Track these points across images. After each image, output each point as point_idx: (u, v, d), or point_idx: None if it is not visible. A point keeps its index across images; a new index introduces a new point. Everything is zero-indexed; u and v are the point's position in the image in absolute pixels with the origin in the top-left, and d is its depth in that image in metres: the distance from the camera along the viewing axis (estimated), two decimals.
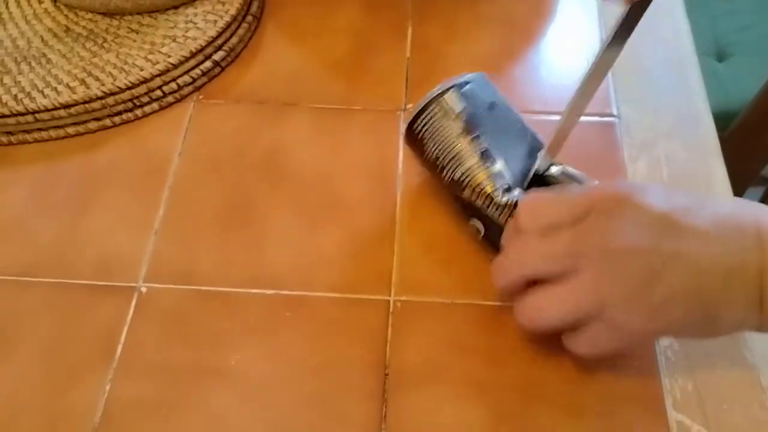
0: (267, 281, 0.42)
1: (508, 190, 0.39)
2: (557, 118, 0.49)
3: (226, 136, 0.49)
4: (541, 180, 0.41)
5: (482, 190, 0.39)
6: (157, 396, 0.38)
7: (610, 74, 0.52)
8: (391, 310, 0.41)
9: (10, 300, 0.42)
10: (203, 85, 0.51)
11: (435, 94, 0.41)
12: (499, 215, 0.39)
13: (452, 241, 0.43)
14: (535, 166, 0.41)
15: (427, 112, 0.41)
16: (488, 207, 0.39)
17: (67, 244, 0.44)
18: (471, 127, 0.40)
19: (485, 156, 0.40)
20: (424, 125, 0.42)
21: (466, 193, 0.40)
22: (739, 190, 0.45)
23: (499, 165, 0.40)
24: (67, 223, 0.45)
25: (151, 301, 0.41)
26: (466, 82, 0.42)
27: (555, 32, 0.55)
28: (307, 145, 0.48)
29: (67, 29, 0.52)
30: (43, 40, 0.52)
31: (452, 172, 0.41)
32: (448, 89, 0.41)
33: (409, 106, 0.50)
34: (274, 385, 0.38)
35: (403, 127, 0.49)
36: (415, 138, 0.43)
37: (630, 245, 0.33)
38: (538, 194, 0.37)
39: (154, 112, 0.50)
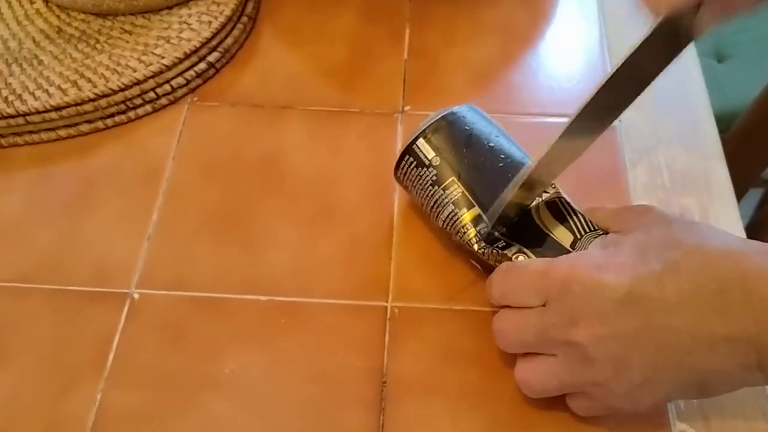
0: (262, 287, 0.41)
1: (487, 234, 0.38)
2: (553, 120, 0.49)
3: (221, 139, 0.48)
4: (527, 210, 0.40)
5: (461, 239, 0.39)
6: (149, 405, 0.37)
7: None
8: (388, 316, 0.40)
9: (3, 307, 0.41)
10: (198, 87, 0.51)
11: (408, 142, 0.41)
12: (486, 258, 0.39)
13: (450, 247, 0.42)
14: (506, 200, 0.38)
15: (404, 162, 0.41)
16: (473, 251, 0.39)
17: (61, 251, 0.43)
18: (444, 173, 0.40)
19: (460, 203, 0.39)
20: (405, 174, 0.41)
21: (454, 238, 0.40)
22: (739, 192, 0.45)
23: (474, 210, 0.39)
24: (60, 229, 0.44)
25: (144, 307, 0.41)
26: (437, 124, 0.40)
27: (553, 37, 0.54)
28: (304, 148, 0.48)
29: (59, 30, 0.52)
30: (34, 41, 0.51)
31: (436, 220, 0.41)
32: (418, 136, 0.40)
33: (407, 108, 0.50)
34: (270, 394, 0.38)
35: (400, 130, 0.48)
36: (401, 184, 0.43)
37: (595, 336, 0.32)
38: (506, 272, 0.36)
39: (147, 114, 0.49)
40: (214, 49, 0.51)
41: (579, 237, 0.38)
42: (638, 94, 0.36)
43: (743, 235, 0.43)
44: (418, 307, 0.40)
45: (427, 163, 0.40)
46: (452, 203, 0.39)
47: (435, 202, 0.40)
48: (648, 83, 0.36)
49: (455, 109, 0.41)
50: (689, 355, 0.31)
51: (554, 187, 0.39)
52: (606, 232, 0.37)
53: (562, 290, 0.33)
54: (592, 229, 0.38)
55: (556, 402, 0.37)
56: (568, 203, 0.39)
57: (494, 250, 0.38)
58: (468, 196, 0.39)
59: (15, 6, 0.54)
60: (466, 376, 0.38)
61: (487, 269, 0.39)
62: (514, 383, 0.37)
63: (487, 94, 0.51)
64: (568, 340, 0.33)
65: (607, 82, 0.34)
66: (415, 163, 0.40)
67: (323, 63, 0.52)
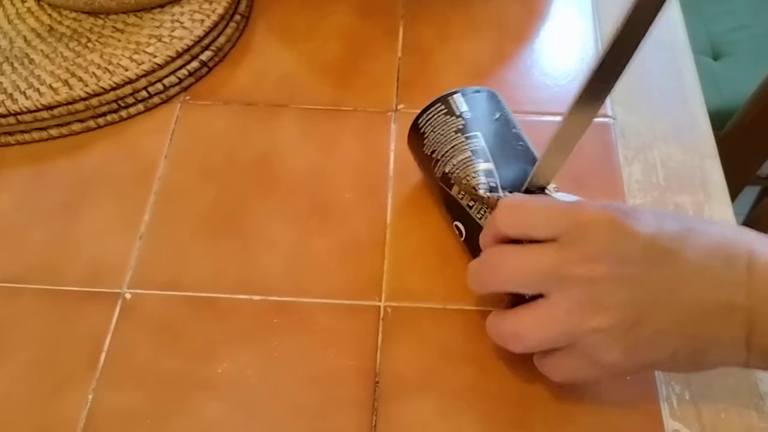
0: (255, 287, 0.41)
1: (494, 189, 0.38)
2: (549, 119, 0.49)
3: (214, 138, 0.48)
4: None
5: (468, 182, 0.38)
6: (141, 406, 0.37)
7: None
8: (381, 316, 0.40)
9: None
10: (190, 85, 0.50)
11: (444, 94, 0.42)
12: (481, 214, 0.38)
13: (443, 246, 0.42)
14: (525, 184, 0.38)
15: (433, 108, 0.42)
16: (471, 203, 0.38)
17: (53, 250, 0.43)
18: (471, 126, 0.40)
19: (478, 153, 0.39)
20: (428, 120, 0.42)
21: (454, 189, 0.40)
22: (735, 190, 0.45)
23: (489, 164, 0.39)
24: (52, 229, 0.44)
25: (136, 307, 0.40)
26: (477, 91, 0.42)
27: (548, 34, 0.54)
28: (297, 147, 0.47)
29: (51, 29, 0.51)
30: (26, 40, 0.51)
31: (443, 165, 0.40)
32: (456, 92, 0.42)
33: (401, 106, 0.49)
34: (264, 394, 0.37)
35: (394, 129, 0.48)
36: (417, 132, 0.43)
37: (614, 276, 0.31)
38: (521, 197, 0.35)
39: (139, 113, 0.49)
40: (206, 47, 0.50)
41: None
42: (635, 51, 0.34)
43: None
44: (412, 306, 0.40)
45: (458, 113, 0.41)
46: (471, 150, 0.39)
47: (453, 147, 0.40)
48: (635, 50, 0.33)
49: (489, 90, 0.43)
50: (692, 318, 0.31)
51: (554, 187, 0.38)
52: None
53: (586, 226, 0.32)
54: None
55: (550, 400, 0.36)
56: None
57: (499, 196, 0.37)
58: (488, 152, 0.39)
59: (6, 4, 0.53)
60: (459, 376, 0.38)
61: (474, 251, 0.39)
62: (508, 383, 0.37)
63: None
64: (584, 275, 0.31)
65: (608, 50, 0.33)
66: (445, 110, 0.41)
67: (317, 61, 0.52)
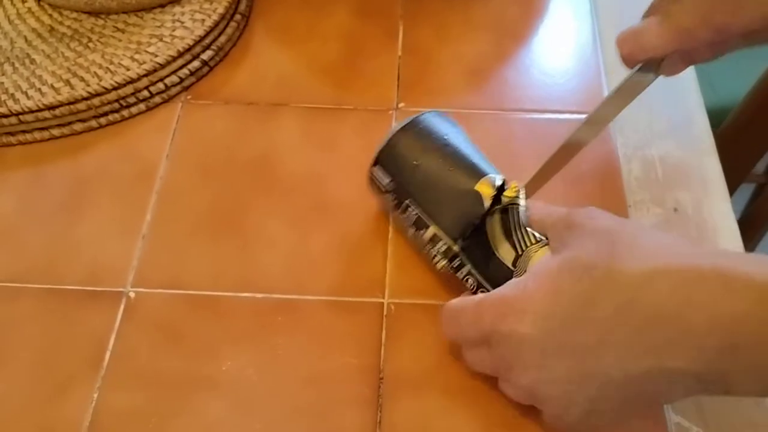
0: (258, 285, 0.41)
1: (447, 251, 0.38)
2: (548, 116, 0.49)
3: (215, 137, 0.48)
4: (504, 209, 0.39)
5: (428, 255, 0.40)
6: (146, 405, 0.37)
7: (603, 73, 0.51)
8: (385, 313, 0.40)
9: None
10: (191, 85, 0.51)
11: (369, 169, 0.41)
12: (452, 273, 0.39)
13: None
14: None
15: (372, 188, 0.42)
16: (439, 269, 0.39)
17: (55, 250, 0.43)
18: (400, 197, 0.40)
19: (418, 224, 0.39)
20: (378, 198, 0.43)
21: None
22: (730, 188, 0.45)
23: (431, 229, 0.39)
24: (54, 229, 0.44)
25: (140, 306, 0.40)
26: (389, 145, 0.40)
27: (546, 34, 0.55)
28: (298, 146, 0.48)
29: (52, 29, 0.51)
30: (26, 40, 0.51)
31: (408, 239, 0.42)
32: (374, 162, 0.41)
33: (401, 105, 0.50)
34: (266, 392, 0.38)
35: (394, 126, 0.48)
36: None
37: (530, 380, 0.33)
38: (445, 318, 0.36)
39: (141, 113, 0.49)
40: (207, 47, 0.51)
41: (520, 253, 0.37)
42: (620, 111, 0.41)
43: (736, 229, 0.43)
44: (415, 303, 0.40)
45: (383, 189, 0.40)
46: (412, 225, 0.39)
47: (401, 224, 0.41)
48: (629, 102, 0.41)
49: (405, 124, 0.40)
50: (627, 386, 0.31)
51: (516, 190, 0.38)
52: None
53: (493, 339, 0.34)
54: (535, 241, 0.37)
55: None
56: (518, 214, 0.37)
57: (450, 270, 0.39)
58: (422, 217, 0.39)
59: (7, 5, 0.53)
60: (463, 373, 0.38)
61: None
62: None
63: (480, 91, 0.51)
64: (514, 383, 0.34)
65: (596, 110, 0.40)
66: (377, 189, 0.41)
67: (317, 60, 0.52)
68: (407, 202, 0.39)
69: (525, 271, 0.36)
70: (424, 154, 0.39)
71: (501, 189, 0.38)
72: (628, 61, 0.39)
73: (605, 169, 0.46)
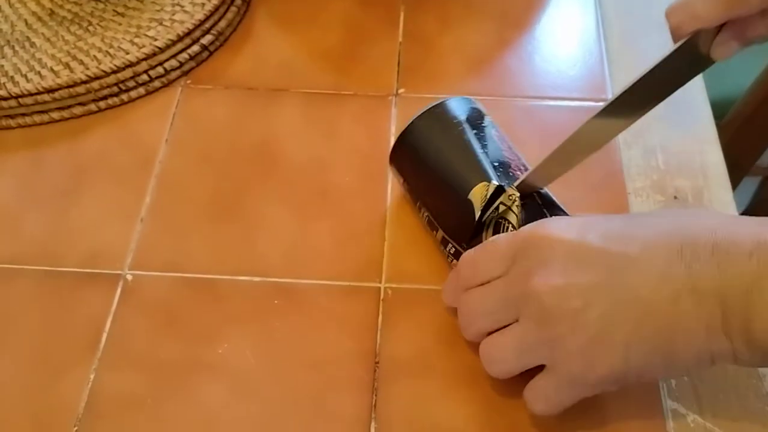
0: (255, 269, 0.41)
1: (456, 253, 0.38)
2: (550, 103, 0.49)
3: (215, 122, 0.48)
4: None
5: (444, 254, 0.40)
6: (142, 387, 0.37)
7: (605, 60, 0.51)
8: (381, 297, 0.40)
9: None
10: (191, 69, 0.50)
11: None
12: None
13: None
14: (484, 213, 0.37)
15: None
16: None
17: (53, 232, 0.43)
18: (413, 197, 0.42)
19: (430, 226, 0.40)
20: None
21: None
22: (734, 180, 0.45)
23: (440, 232, 0.39)
24: (52, 211, 0.44)
25: (137, 289, 0.40)
26: (397, 146, 0.41)
27: (549, 21, 0.54)
28: (298, 131, 0.47)
29: (52, 12, 0.51)
30: (27, 23, 0.51)
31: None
32: (390, 161, 0.42)
33: (402, 91, 0.49)
34: (263, 375, 0.37)
35: (395, 113, 0.48)
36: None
37: (548, 284, 0.31)
38: (474, 250, 0.36)
39: (140, 97, 0.49)
40: (207, 31, 0.50)
41: None
42: (658, 103, 0.38)
43: None
44: (412, 288, 0.40)
45: (403, 188, 0.42)
46: (427, 225, 0.41)
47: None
48: (667, 95, 0.37)
49: (410, 125, 0.40)
50: (649, 308, 0.30)
51: (510, 197, 0.37)
52: None
53: (524, 247, 0.33)
54: None
55: None
56: (506, 227, 0.37)
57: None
58: (432, 220, 0.40)
59: None
60: (459, 357, 0.38)
61: None
62: None
63: (482, 78, 0.51)
64: (525, 291, 0.32)
65: (625, 91, 0.36)
66: (399, 183, 0.42)
67: (317, 46, 0.52)
68: (419, 203, 0.41)
69: None
70: (426, 157, 0.40)
71: (497, 194, 0.37)
72: (677, 32, 0.35)
73: (605, 156, 0.45)
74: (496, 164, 0.38)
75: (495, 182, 0.37)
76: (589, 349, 0.31)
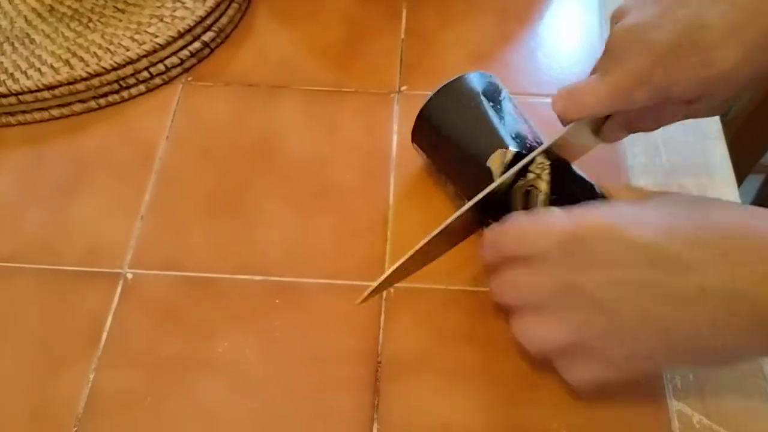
0: (256, 268, 0.41)
1: (482, 224, 0.38)
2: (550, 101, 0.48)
3: (216, 119, 0.48)
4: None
5: None
6: (142, 385, 0.37)
7: None
8: (384, 296, 0.40)
9: None
10: (192, 66, 0.50)
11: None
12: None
13: None
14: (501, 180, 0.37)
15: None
16: None
17: (53, 230, 0.43)
18: (437, 171, 0.42)
19: (457, 198, 0.41)
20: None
21: None
22: (738, 178, 0.44)
23: (465, 204, 0.38)
24: (52, 209, 0.43)
25: (138, 287, 0.40)
26: (417, 123, 0.41)
27: (551, 17, 0.54)
28: (299, 128, 0.47)
29: (51, 9, 0.51)
30: (26, 20, 0.50)
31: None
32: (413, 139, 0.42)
33: (404, 88, 0.49)
34: (264, 374, 0.37)
35: (397, 110, 0.48)
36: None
37: (608, 280, 0.31)
38: (522, 219, 0.34)
39: (140, 94, 0.49)
40: (208, 28, 0.50)
41: None
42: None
43: None
44: (414, 287, 0.40)
45: (425, 160, 0.41)
46: (454, 197, 0.40)
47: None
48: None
49: (429, 101, 0.40)
50: (710, 312, 0.30)
51: (540, 166, 0.37)
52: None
53: (586, 237, 0.32)
54: None
55: (551, 380, 0.36)
56: (536, 198, 0.37)
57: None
58: (457, 191, 0.40)
59: None
60: (461, 356, 0.38)
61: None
62: (508, 362, 0.37)
63: None
64: (579, 282, 0.31)
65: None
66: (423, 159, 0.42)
67: (319, 42, 0.52)
68: (443, 177, 0.40)
69: None
70: (445, 130, 0.39)
71: (516, 160, 0.37)
72: (561, 118, 0.37)
73: (609, 153, 0.45)
74: (513, 135, 0.38)
75: (513, 149, 0.37)
76: (643, 343, 0.31)
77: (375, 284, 0.36)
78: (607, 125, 0.38)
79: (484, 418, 0.36)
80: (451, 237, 0.38)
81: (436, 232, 0.36)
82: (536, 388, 0.36)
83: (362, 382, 0.37)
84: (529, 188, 0.37)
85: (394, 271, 0.36)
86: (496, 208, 0.37)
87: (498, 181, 0.36)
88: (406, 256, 0.36)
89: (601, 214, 0.32)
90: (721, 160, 0.45)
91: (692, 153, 0.45)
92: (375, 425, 0.36)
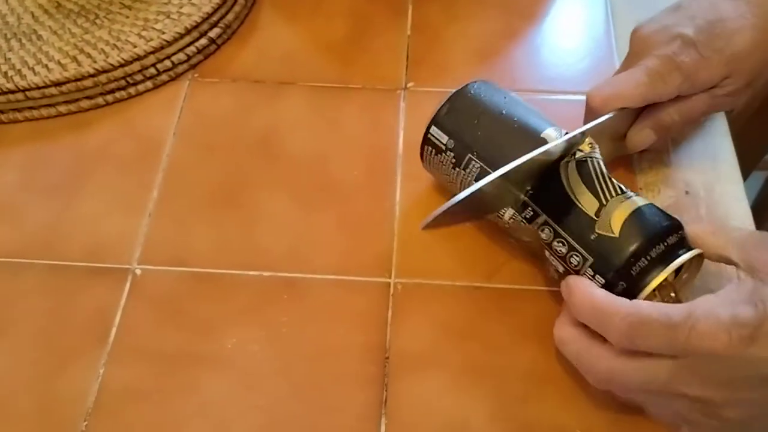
0: (263, 263, 0.41)
1: (515, 201, 0.38)
2: (559, 97, 0.48)
3: (222, 115, 0.48)
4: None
5: (497, 218, 0.39)
6: (150, 381, 0.37)
7: (615, 53, 0.51)
8: (391, 292, 0.40)
9: (2, 282, 0.41)
10: (198, 63, 0.50)
11: (425, 132, 0.41)
12: (515, 231, 0.39)
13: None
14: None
15: (425, 152, 0.41)
16: (504, 223, 0.38)
17: (61, 226, 0.43)
18: (461, 153, 0.40)
19: (480, 178, 0.39)
20: (429, 163, 0.42)
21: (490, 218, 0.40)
22: (743, 174, 0.44)
23: (496, 181, 0.38)
24: (60, 205, 0.44)
25: (146, 283, 0.40)
26: (448, 105, 0.40)
27: (558, 13, 0.54)
28: (305, 124, 0.47)
29: (58, 5, 0.51)
30: (33, 16, 0.51)
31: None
32: (431, 124, 0.40)
33: (410, 84, 0.49)
34: (271, 370, 0.37)
35: (403, 107, 0.48)
36: (430, 173, 0.43)
37: (725, 399, 0.31)
38: (643, 318, 0.32)
39: (147, 90, 0.49)
40: (215, 24, 0.50)
41: (604, 203, 0.36)
42: None
43: (748, 212, 0.42)
44: (422, 283, 0.40)
45: (443, 148, 0.40)
46: (474, 180, 0.39)
47: (460, 182, 0.40)
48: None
49: (462, 88, 0.40)
50: None
51: (590, 145, 0.38)
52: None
53: (703, 354, 0.30)
54: (620, 192, 0.36)
55: (558, 376, 0.36)
56: (599, 164, 0.37)
57: (522, 223, 0.37)
58: (487, 169, 0.38)
59: None
60: (468, 352, 0.38)
61: (522, 242, 0.39)
62: (516, 359, 0.37)
63: (490, 71, 0.50)
64: (697, 396, 0.31)
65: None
66: (434, 151, 0.41)
67: (325, 38, 0.52)
68: (469, 156, 0.39)
69: (608, 221, 0.35)
70: (484, 112, 0.40)
71: (567, 138, 0.37)
72: (602, 109, 0.39)
73: None
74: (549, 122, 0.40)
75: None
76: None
77: (442, 209, 0.39)
78: (636, 125, 0.41)
79: (492, 414, 0.36)
80: (492, 196, 0.38)
81: (492, 176, 0.36)
82: (544, 385, 0.37)
83: (370, 378, 0.37)
84: (587, 158, 0.37)
85: (456, 203, 0.37)
86: (539, 178, 0.37)
87: (552, 144, 0.37)
88: (470, 190, 0.37)
89: (720, 326, 0.30)
90: (728, 156, 0.45)
91: (698, 149, 0.45)
92: (383, 421, 0.36)
